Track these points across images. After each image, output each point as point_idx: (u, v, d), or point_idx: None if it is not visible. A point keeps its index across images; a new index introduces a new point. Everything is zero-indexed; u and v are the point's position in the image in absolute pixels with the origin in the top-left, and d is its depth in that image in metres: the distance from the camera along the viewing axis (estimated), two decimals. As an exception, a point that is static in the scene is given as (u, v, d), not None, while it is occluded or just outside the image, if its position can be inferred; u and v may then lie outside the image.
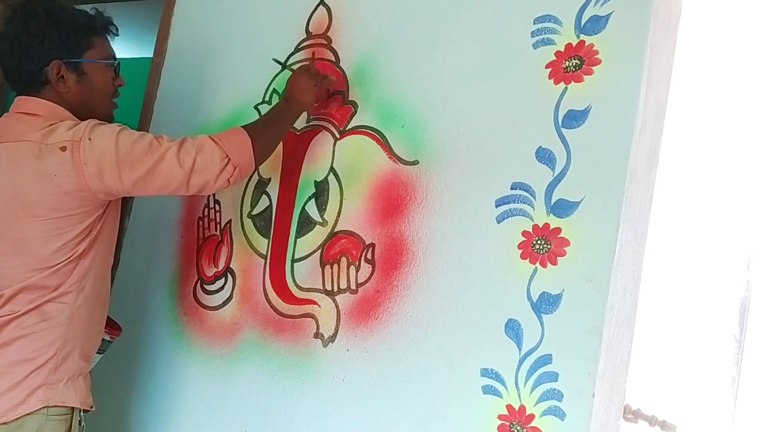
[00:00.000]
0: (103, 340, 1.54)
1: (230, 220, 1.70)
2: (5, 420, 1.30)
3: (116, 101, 1.53)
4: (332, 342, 1.45)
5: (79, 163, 1.31)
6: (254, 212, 1.66)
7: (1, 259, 1.34)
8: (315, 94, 1.52)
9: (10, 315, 1.33)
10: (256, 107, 1.71)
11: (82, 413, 1.43)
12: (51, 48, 1.38)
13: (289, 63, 1.69)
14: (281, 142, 1.62)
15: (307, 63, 1.60)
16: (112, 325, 1.58)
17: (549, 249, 1.22)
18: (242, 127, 1.44)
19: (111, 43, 1.50)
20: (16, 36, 1.38)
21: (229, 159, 1.38)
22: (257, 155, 1.42)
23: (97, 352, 1.53)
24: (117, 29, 1.51)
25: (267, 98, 1.70)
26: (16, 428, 1.31)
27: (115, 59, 1.49)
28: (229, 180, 1.39)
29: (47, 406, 1.33)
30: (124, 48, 3.93)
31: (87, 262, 1.38)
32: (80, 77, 1.42)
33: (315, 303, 1.50)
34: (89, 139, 1.32)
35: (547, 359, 1.19)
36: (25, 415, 1.31)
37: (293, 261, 1.56)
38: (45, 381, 1.33)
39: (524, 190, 1.27)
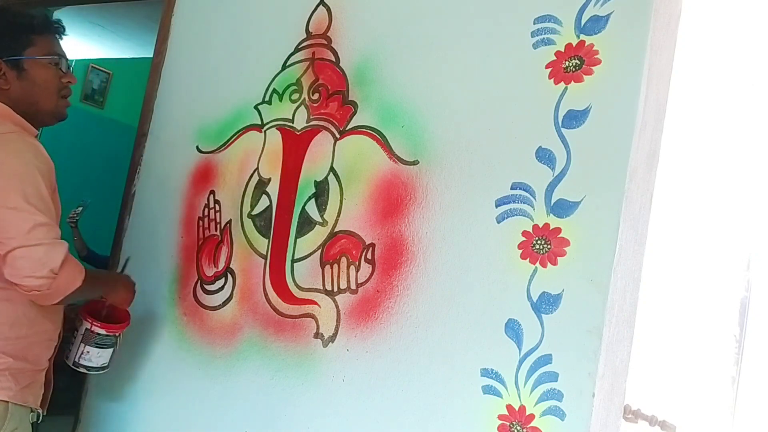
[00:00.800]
0: (101, 334, 1.56)
1: (230, 220, 1.70)
2: None
3: (74, 99, 1.56)
4: (332, 342, 1.45)
5: None
6: (254, 212, 1.66)
7: None
8: (127, 300, 1.63)
9: None
10: (256, 107, 1.71)
11: (33, 412, 1.44)
12: None
13: (289, 63, 1.69)
14: (281, 143, 1.62)
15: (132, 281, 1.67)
16: (117, 319, 1.59)
17: (549, 249, 1.22)
18: (84, 269, 1.41)
19: (59, 43, 1.54)
20: None
21: (55, 277, 1.33)
22: (69, 296, 1.38)
23: (101, 346, 1.58)
24: (64, 29, 1.55)
25: (267, 98, 1.70)
26: None
27: (60, 57, 1.51)
28: (34, 290, 1.33)
29: None
30: (124, 48, 3.94)
31: None
32: (20, 74, 1.46)
33: (315, 303, 1.50)
34: None
35: (547, 359, 1.19)
36: None
37: (293, 261, 1.56)
38: None
39: (524, 190, 1.27)
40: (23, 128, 1.44)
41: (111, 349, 1.61)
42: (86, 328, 1.56)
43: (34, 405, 1.46)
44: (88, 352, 1.57)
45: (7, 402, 1.39)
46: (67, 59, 1.54)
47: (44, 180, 1.37)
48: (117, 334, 1.61)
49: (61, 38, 1.55)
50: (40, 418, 1.48)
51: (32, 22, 1.50)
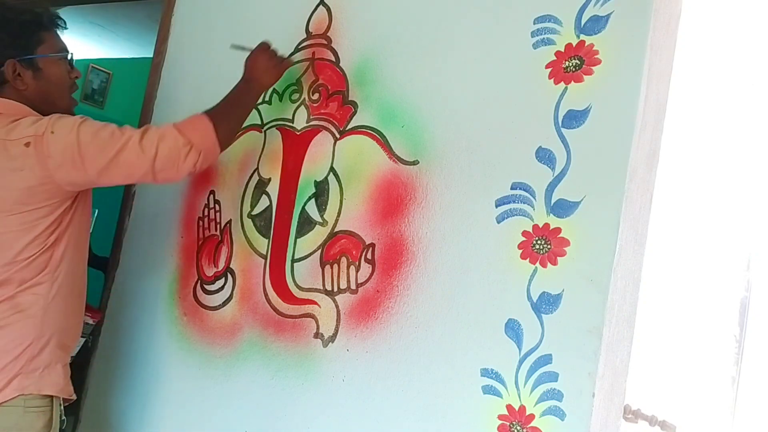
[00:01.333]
0: (85, 323, 1.56)
1: (230, 220, 1.70)
2: None
3: (75, 97, 1.56)
4: (332, 342, 1.45)
5: (43, 156, 1.34)
6: (254, 212, 1.66)
7: None
8: (275, 75, 1.56)
9: None
10: (255, 107, 1.71)
11: (62, 406, 1.44)
12: (3, 48, 1.42)
13: (289, 63, 1.69)
14: (281, 143, 1.62)
15: (266, 43, 1.59)
16: (92, 309, 1.59)
17: (549, 249, 1.22)
18: (204, 112, 1.46)
19: (61, 36, 1.54)
20: None
21: (192, 145, 1.39)
22: (221, 139, 1.44)
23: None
24: (65, 23, 1.54)
25: (267, 98, 1.70)
26: None
27: (68, 51, 1.51)
28: (195, 166, 1.40)
29: (23, 395, 1.34)
30: (124, 48, 3.94)
31: (59, 253, 1.40)
32: (36, 73, 1.45)
33: (315, 303, 1.50)
34: (52, 132, 1.35)
35: (547, 359, 1.19)
36: (2, 404, 1.32)
37: (293, 261, 1.56)
38: (21, 370, 1.35)
39: (524, 190, 1.27)
40: None
41: (83, 340, 1.60)
42: None
43: (73, 396, 1.48)
44: None
45: (57, 397, 1.41)
46: (72, 54, 1.54)
47: (90, 119, 1.40)
48: (93, 323, 1.60)
49: (63, 33, 1.55)
50: (65, 424, 1.48)
51: (40, 20, 1.48)
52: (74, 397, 1.48)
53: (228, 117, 1.47)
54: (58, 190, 1.37)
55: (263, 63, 1.54)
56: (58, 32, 1.52)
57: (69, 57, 1.51)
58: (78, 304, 1.49)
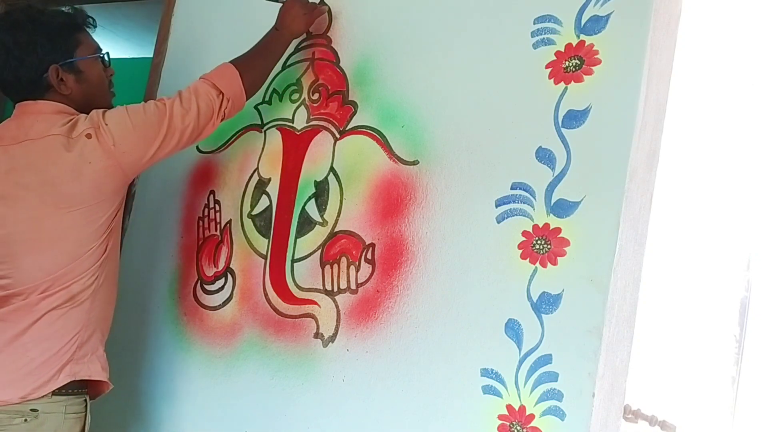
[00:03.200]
0: None
1: (230, 220, 1.70)
2: (35, 396, 1.32)
3: (112, 91, 1.58)
4: (332, 342, 1.45)
5: (107, 145, 1.37)
6: (254, 212, 1.66)
7: (37, 256, 1.37)
8: (306, 21, 1.61)
9: (41, 295, 1.36)
10: (256, 107, 1.71)
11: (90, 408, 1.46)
12: (44, 54, 1.41)
13: (289, 63, 1.69)
14: (281, 143, 1.62)
15: None
16: None
17: (549, 249, 1.22)
18: (231, 61, 1.51)
19: (93, 35, 1.54)
20: (7, 49, 1.40)
21: (223, 93, 1.46)
22: (247, 87, 1.50)
23: None
24: (95, 21, 1.54)
25: (267, 98, 1.70)
26: (36, 427, 1.32)
27: (101, 50, 1.52)
28: (225, 113, 1.48)
29: (73, 381, 1.37)
30: (124, 48, 3.94)
31: (110, 245, 1.45)
32: (78, 76, 1.45)
33: (315, 303, 1.50)
34: (106, 124, 1.38)
35: (547, 359, 1.18)
36: (53, 393, 1.34)
37: (293, 261, 1.56)
38: (72, 357, 1.38)
39: (524, 190, 1.27)
40: None
41: None
42: None
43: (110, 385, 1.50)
44: None
45: (91, 398, 1.44)
46: (107, 52, 1.54)
47: (128, 106, 1.44)
48: None
49: (93, 32, 1.54)
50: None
51: (74, 20, 1.48)
52: (111, 385, 1.50)
53: (254, 65, 1.54)
54: (123, 180, 1.42)
55: (295, 11, 1.58)
56: (91, 31, 1.53)
57: (104, 55, 1.52)
58: (115, 293, 1.52)
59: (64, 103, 1.43)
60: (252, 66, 1.53)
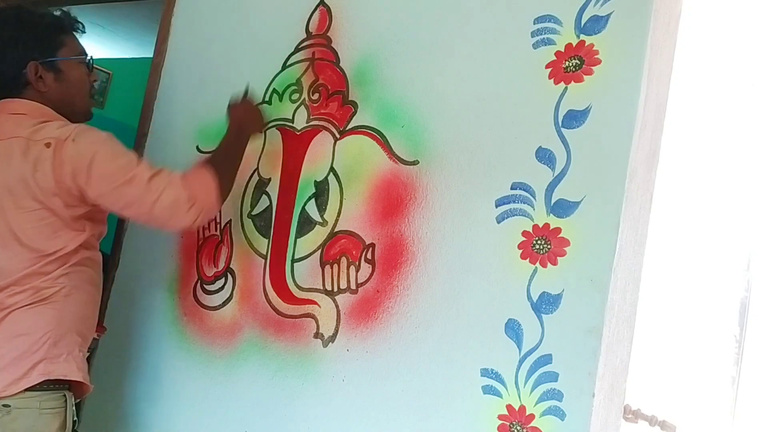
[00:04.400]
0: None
1: (230, 220, 1.70)
2: (7, 393, 1.32)
3: (96, 98, 1.57)
4: (332, 342, 1.45)
5: (59, 161, 1.35)
6: (254, 212, 1.66)
7: (1, 252, 1.38)
8: (261, 122, 1.61)
9: (5, 292, 1.37)
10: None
11: (74, 408, 1.45)
12: (26, 50, 1.44)
13: (289, 63, 1.69)
14: (281, 143, 1.62)
15: (247, 91, 1.63)
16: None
17: (549, 249, 1.22)
18: (208, 164, 1.45)
19: (80, 40, 1.55)
20: None
21: (195, 202, 1.39)
22: (222, 196, 1.45)
23: None
24: (84, 26, 1.56)
25: (267, 98, 1.70)
26: (9, 422, 1.32)
27: (87, 54, 1.53)
28: (194, 222, 1.40)
29: (48, 380, 1.36)
30: (124, 48, 3.94)
31: (80, 246, 1.42)
32: (57, 75, 1.47)
33: (315, 303, 1.50)
34: (73, 140, 1.37)
35: (547, 359, 1.18)
36: (25, 390, 1.33)
37: (293, 261, 1.56)
38: (45, 356, 1.37)
39: (524, 190, 1.27)
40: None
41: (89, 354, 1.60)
42: None
43: (90, 387, 1.49)
44: None
45: (69, 392, 1.42)
46: (92, 57, 1.55)
47: (122, 144, 1.42)
48: (98, 337, 1.61)
49: (81, 36, 1.57)
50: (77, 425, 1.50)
51: (61, 23, 1.50)
52: (92, 386, 1.49)
53: (228, 172, 1.49)
54: (71, 193, 1.38)
55: (251, 112, 1.59)
56: (77, 35, 1.54)
57: (88, 60, 1.53)
58: (95, 294, 1.51)
59: (41, 102, 1.45)
60: (226, 174, 1.47)
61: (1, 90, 1.47)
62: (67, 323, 1.41)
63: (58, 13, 1.54)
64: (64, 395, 1.40)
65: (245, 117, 1.58)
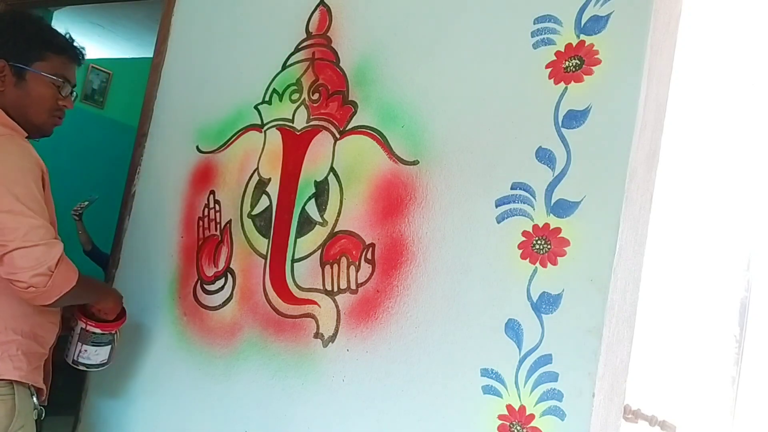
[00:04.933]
0: (96, 333, 1.56)
1: (230, 220, 1.70)
2: None
3: (59, 119, 1.56)
4: (332, 342, 1.45)
5: None
6: (254, 212, 1.66)
7: None
8: (115, 308, 1.62)
9: None
10: (256, 107, 1.71)
11: (35, 396, 1.44)
12: (2, 48, 1.45)
13: (289, 63, 1.69)
14: (281, 143, 1.62)
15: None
16: (107, 322, 1.59)
17: (549, 249, 1.22)
18: (80, 274, 1.42)
19: (73, 69, 1.55)
20: None
21: (49, 278, 1.33)
22: (64, 297, 1.38)
23: (98, 344, 1.58)
24: (82, 57, 1.57)
25: (267, 98, 1.70)
26: None
27: (65, 81, 1.52)
28: (29, 289, 1.33)
29: None
30: (124, 48, 3.95)
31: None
32: (20, 82, 1.47)
33: (315, 303, 1.50)
34: None
35: (547, 359, 1.19)
36: None
37: (293, 261, 1.56)
38: None
39: (524, 190, 1.27)
40: (13, 129, 1.44)
41: (109, 347, 1.61)
42: (81, 328, 1.57)
43: (40, 385, 1.47)
44: (85, 350, 1.58)
45: (19, 382, 1.40)
46: (72, 86, 1.54)
47: (35, 181, 1.38)
48: (113, 332, 1.61)
49: (78, 65, 1.56)
50: (43, 415, 1.48)
51: (52, 39, 1.51)
52: (42, 387, 1.48)
53: (81, 292, 1.44)
54: None
55: (117, 294, 1.64)
56: (71, 62, 1.54)
57: (63, 85, 1.51)
58: None
59: None
60: (80, 292, 1.42)
61: None
62: (0, 323, 1.39)
63: (66, 34, 1.55)
64: (11, 383, 1.39)
65: (114, 299, 1.62)
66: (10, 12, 1.50)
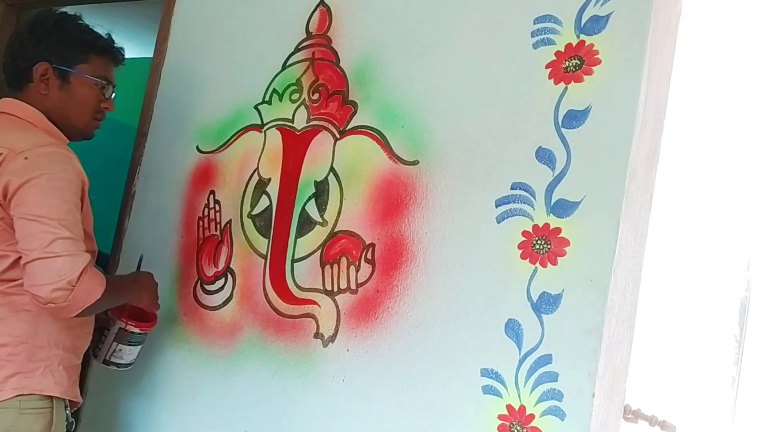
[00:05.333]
0: (135, 333, 1.56)
1: (230, 220, 1.70)
2: None
3: (100, 122, 1.56)
4: (332, 342, 1.45)
5: (2, 170, 1.31)
6: (254, 212, 1.66)
7: None
8: (152, 303, 1.58)
9: None
10: (256, 107, 1.71)
11: (68, 408, 1.43)
12: (45, 50, 1.44)
13: (289, 63, 1.69)
14: (281, 143, 1.62)
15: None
16: (143, 318, 1.59)
17: (549, 249, 1.22)
18: (105, 279, 1.34)
19: (113, 70, 1.55)
20: (20, 34, 1.47)
21: (71, 292, 1.27)
22: (88, 309, 1.32)
23: (132, 344, 1.57)
24: (123, 58, 1.58)
25: (267, 98, 1.70)
26: None
27: (108, 82, 1.52)
28: (49, 303, 1.27)
29: (22, 395, 1.33)
30: (124, 48, 3.93)
31: None
32: (63, 85, 1.46)
33: (315, 303, 1.50)
34: (26, 158, 1.31)
35: (547, 359, 1.19)
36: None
37: (293, 261, 1.56)
38: (19, 369, 1.34)
39: (524, 190, 1.27)
40: (57, 138, 1.43)
41: (140, 346, 1.61)
42: (120, 327, 1.54)
43: (78, 399, 1.46)
44: (120, 350, 1.56)
45: (58, 398, 1.39)
46: (113, 87, 1.55)
47: (74, 193, 1.35)
48: (148, 332, 1.61)
49: (118, 67, 1.57)
50: (74, 426, 1.46)
51: (95, 41, 1.51)
52: (80, 400, 1.48)
53: (108, 300, 1.38)
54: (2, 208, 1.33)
55: (152, 289, 1.59)
56: (112, 63, 1.54)
57: (107, 87, 1.51)
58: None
59: (35, 105, 1.43)
60: (107, 300, 1.36)
61: (8, 79, 1.48)
62: (44, 335, 1.37)
63: (107, 34, 1.54)
64: (51, 398, 1.38)
65: (147, 286, 1.57)
66: (50, 14, 1.50)
